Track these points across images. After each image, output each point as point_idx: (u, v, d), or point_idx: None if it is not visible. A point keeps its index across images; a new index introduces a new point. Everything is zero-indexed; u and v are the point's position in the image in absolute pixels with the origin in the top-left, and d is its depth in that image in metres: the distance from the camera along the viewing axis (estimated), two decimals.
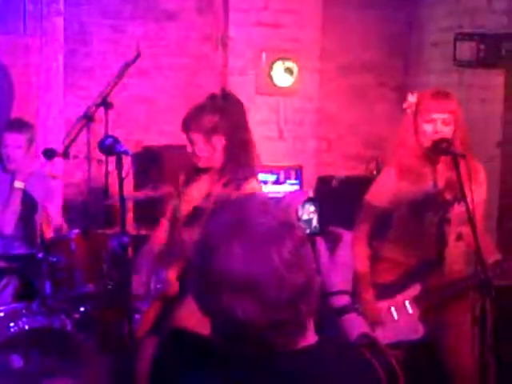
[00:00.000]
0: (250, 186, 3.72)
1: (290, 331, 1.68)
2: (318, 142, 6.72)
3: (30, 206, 4.90)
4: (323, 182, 6.03)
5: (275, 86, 6.43)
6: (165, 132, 6.18)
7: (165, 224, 3.98)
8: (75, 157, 5.25)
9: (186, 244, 3.68)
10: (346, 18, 6.71)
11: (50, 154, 4.94)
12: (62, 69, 6.00)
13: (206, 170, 3.87)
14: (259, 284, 1.62)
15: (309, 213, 2.01)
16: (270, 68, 6.38)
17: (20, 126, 5.11)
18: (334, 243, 1.99)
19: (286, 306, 1.64)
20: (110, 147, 3.63)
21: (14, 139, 5.02)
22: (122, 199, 3.75)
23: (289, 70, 6.38)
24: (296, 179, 5.50)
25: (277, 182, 5.44)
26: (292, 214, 1.82)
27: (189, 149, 3.80)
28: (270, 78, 6.40)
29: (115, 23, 6.21)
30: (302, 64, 6.47)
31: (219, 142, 3.75)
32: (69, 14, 6.05)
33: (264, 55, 6.39)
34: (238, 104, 3.90)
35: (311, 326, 1.74)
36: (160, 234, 4.00)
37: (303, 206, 2.00)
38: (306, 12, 6.57)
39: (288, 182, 5.47)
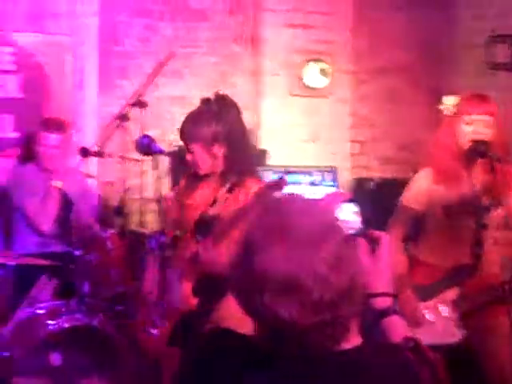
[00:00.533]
0: (255, 189, 3.68)
1: (333, 333, 1.68)
2: (351, 145, 6.70)
3: (66, 204, 4.94)
4: (359, 184, 6.01)
5: (308, 87, 6.42)
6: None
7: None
8: (110, 156, 5.27)
9: (201, 256, 3.64)
10: (378, 19, 6.69)
11: (85, 152, 4.97)
12: (96, 68, 6.04)
13: (206, 177, 3.82)
14: (302, 285, 1.62)
15: (350, 214, 2.01)
16: (303, 69, 6.38)
17: (56, 125, 5.19)
18: (373, 245, 1.98)
19: (329, 308, 1.64)
20: (146, 146, 3.63)
21: (50, 139, 5.10)
22: (159, 198, 3.76)
23: (323, 72, 6.37)
24: (331, 181, 5.48)
25: (312, 184, 5.42)
26: (334, 215, 1.82)
27: (188, 157, 3.76)
28: (303, 79, 6.39)
29: (148, 23, 6.23)
30: (335, 66, 6.46)
31: (220, 149, 3.72)
32: (103, 14, 6.09)
33: (296, 56, 6.38)
34: (234, 107, 3.85)
35: (355, 327, 1.73)
36: None
37: (343, 207, 2.00)
38: (337, 13, 6.56)
39: (323, 183, 5.46)
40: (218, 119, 3.74)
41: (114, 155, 5.38)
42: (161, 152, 3.81)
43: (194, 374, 1.88)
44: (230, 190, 3.70)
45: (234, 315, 1.94)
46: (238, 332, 1.85)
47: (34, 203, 5.09)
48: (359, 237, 1.97)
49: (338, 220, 1.77)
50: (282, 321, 1.63)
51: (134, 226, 5.54)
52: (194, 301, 3.66)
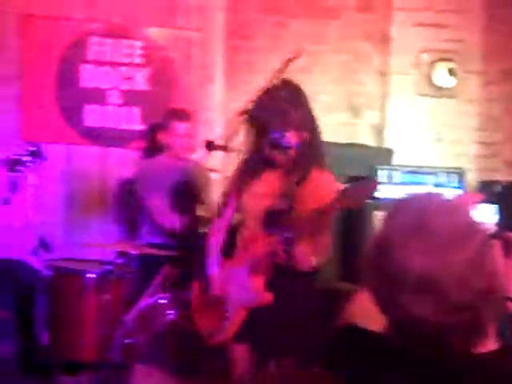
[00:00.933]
0: (326, 181, 3.57)
1: (469, 335, 1.63)
2: (477, 146, 6.54)
3: (191, 196, 5.00)
4: (485, 187, 5.86)
5: (436, 87, 6.31)
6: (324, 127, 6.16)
7: None
8: (234, 150, 5.29)
9: (271, 253, 3.46)
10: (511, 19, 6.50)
11: (210, 146, 5.00)
12: (223, 63, 6.09)
13: (272, 165, 3.69)
14: (439, 285, 1.58)
15: (485, 215, 1.94)
16: (431, 69, 6.27)
17: (186, 115, 5.28)
18: (506, 248, 1.92)
19: (466, 309, 1.60)
20: (276, 141, 3.59)
21: (182, 128, 5.20)
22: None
23: (451, 72, 6.24)
24: (457, 183, 5.36)
25: (437, 185, 5.32)
26: (472, 215, 1.76)
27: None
28: (431, 79, 6.28)
29: (278, 19, 6.24)
30: (464, 66, 6.32)
31: (305, 135, 3.60)
32: (232, 9, 6.13)
33: (425, 56, 6.27)
34: (305, 93, 3.72)
35: (492, 332, 1.68)
36: None
37: (477, 208, 1.94)
38: (469, 12, 6.41)
39: (449, 185, 5.34)
40: (299, 104, 3.63)
41: (239, 150, 5.41)
42: (291, 147, 3.70)
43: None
44: (298, 183, 3.55)
45: (365, 312, 1.91)
46: (370, 329, 1.82)
47: (159, 196, 5.18)
48: (494, 238, 1.91)
49: (476, 221, 1.72)
50: (417, 321, 1.60)
51: None
52: (268, 296, 3.48)
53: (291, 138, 3.60)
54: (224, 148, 5.15)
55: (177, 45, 6.01)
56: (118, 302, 4.72)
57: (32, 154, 4.00)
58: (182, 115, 5.30)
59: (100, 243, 5.88)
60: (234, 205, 3.78)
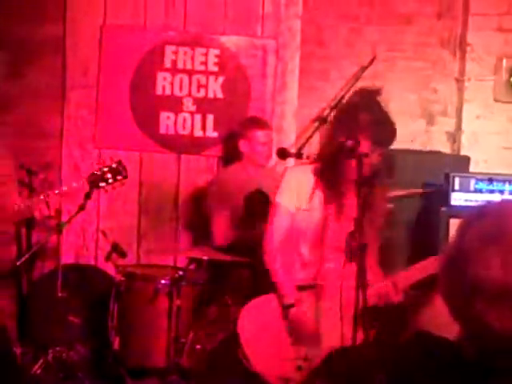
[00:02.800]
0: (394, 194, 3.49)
1: None
2: None
3: (264, 202, 4.99)
4: None
5: None
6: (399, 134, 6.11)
7: None
8: (308, 158, 5.27)
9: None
10: None
11: (283, 153, 5.00)
12: (297, 71, 6.07)
13: (346, 182, 3.65)
14: None
15: None
16: (511, 75, 6.14)
17: (267, 123, 5.34)
18: None
19: None
20: (351, 149, 3.53)
21: (263, 136, 5.24)
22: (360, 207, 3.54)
23: None
24: None
25: None
26: None
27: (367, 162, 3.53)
28: (509, 84, 6.15)
29: (353, 26, 6.19)
30: None
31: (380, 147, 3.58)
32: (306, 16, 6.11)
33: (505, 61, 6.15)
34: (381, 100, 3.69)
35: None
36: None
37: None
38: None
39: None
40: (375, 112, 3.64)
41: (312, 157, 5.38)
42: (366, 155, 3.62)
43: (399, 378, 1.82)
44: (364, 202, 3.43)
45: (437, 319, 1.86)
46: (443, 337, 1.78)
47: (229, 206, 5.20)
48: None
49: None
50: (493, 330, 1.56)
51: None
52: None
53: (366, 146, 3.55)
54: (297, 155, 5.14)
55: (251, 52, 6.02)
56: (190, 308, 4.73)
57: (114, 171, 4.00)
58: (262, 123, 5.35)
59: (172, 249, 5.93)
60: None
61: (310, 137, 5.60)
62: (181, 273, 4.74)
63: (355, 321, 3.20)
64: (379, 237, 3.79)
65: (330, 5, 6.17)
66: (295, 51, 6.09)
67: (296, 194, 3.75)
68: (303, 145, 5.57)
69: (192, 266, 5.19)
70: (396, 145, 5.90)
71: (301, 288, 3.68)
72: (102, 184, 3.94)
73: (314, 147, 5.51)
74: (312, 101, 6.08)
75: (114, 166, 3.95)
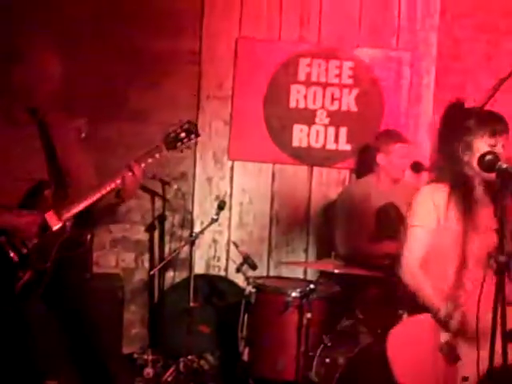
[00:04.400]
0: None
1: None
2: None
3: (397, 216, 4.93)
4: None
5: None
6: None
7: None
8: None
9: None
10: None
11: (418, 168, 4.92)
12: (433, 84, 5.96)
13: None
14: None
15: None
16: None
17: (405, 137, 5.27)
18: None
19: None
20: (490, 163, 3.40)
21: (403, 149, 5.19)
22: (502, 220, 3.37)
23: None
24: None
25: None
26: None
27: None
28: None
29: (491, 38, 6.02)
30: None
31: None
32: (443, 28, 6.00)
33: None
34: None
35: None
36: None
37: None
38: None
39: None
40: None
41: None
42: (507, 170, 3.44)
43: None
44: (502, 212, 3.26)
45: None
46: None
47: (365, 217, 5.16)
48: None
49: None
50: None
51: None
52: None
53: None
54: (432, 169, 5.05)
55: (386, 65, 5.95)
56: (320, 322, 4.69)
57: (187, 130, 4.01)
58: (401, 136, 5.29)
59: (303, 262, 5.91)
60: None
61: None
62: (311, 286, 4.71)
63: (504, 339, 3.08)
64: None
65: (468, 16, 6.02)
66: (431, 64, 5.99)
67: (432, 211, 3.66)
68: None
69: (322, 279, 5.16)
70: None
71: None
72: (178, 144, 3.94)
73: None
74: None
75: (186, 125, 3.96)
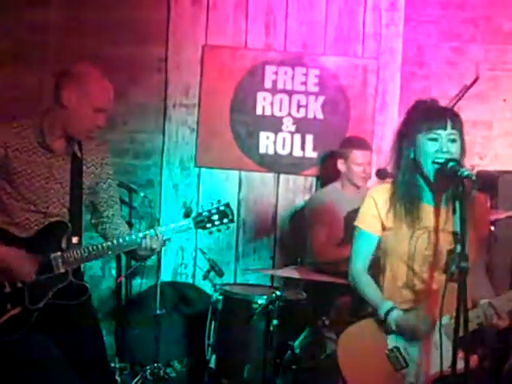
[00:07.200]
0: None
1: None
2: None
3: None
4: None
5: None
6: (500, 157, 5.99)
7: None
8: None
9: None
10: None
11: (383, 174, 4.94)
12: (398, 91, 6.01)
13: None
14: None
15: None
16: None
17: (367, 144, 5.31)
18: None
19: None
20: (452, 171, 3.43)
21: (363, 157, 5.22)
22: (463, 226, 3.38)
23: None
24: None
25: None
26: None
27: None
28: None
29: (455, 46, 6.09)
30: None
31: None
32: (407, 36, 6.05)
33: None
34: None
35: None
36: None
37: None
38: None
39: None
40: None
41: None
42: (468, 176, 3.44)
43: None
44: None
45: None
46: None
47: (328, 224, 5.19)
48: None
49: None
50: None
51: None
52: None
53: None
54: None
55: (352, 73, 5.99)
56: (286, 328, 4.70)
57: (222, 213, 3.88)
58: (360, 143, 5.32)
59: (269, 269, 5.92)
60: None
61: None
62: (278, 293, 4.72)
63: (455, 346, 3.10)
64: (483, 255, 3.68)
65: (432, 24, 6.09)
66: (396, 71, 6.03)
67: (376, 214, 3.69)
68: None
69: (289, 286, 5.18)
70: (501, 166, 5.84)
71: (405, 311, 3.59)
72: (209, 225, 3.86)
73: None
74: None
75: (221, 208, 3.85)
